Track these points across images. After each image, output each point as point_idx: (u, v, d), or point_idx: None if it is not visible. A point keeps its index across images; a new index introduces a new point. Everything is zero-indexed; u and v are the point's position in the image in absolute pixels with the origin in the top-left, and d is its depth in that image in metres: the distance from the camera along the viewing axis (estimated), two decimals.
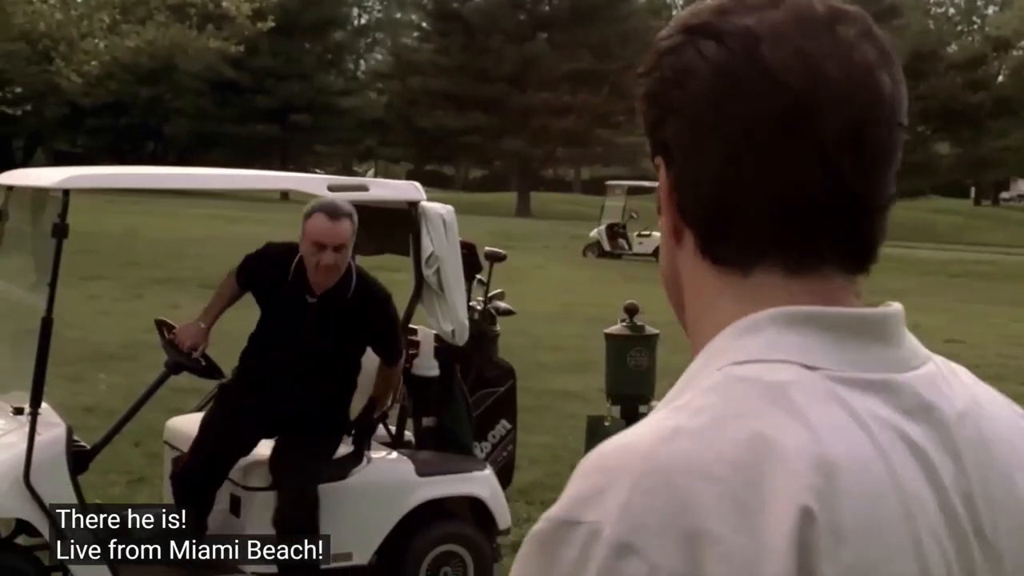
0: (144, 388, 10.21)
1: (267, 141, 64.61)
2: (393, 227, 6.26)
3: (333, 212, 5.61)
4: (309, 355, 5.82)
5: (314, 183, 6.22)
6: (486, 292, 6.86)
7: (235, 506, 5.78)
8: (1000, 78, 75.15)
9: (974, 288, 27.86)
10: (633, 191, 36.83)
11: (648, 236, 33.24)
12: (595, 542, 0.99)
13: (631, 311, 4.95)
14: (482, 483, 6.21)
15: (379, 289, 5.93)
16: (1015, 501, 1.12)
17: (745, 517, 0.97)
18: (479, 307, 6.75)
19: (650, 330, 5.42)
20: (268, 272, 5.91)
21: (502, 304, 6.90)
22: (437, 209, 6.11)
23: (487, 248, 6.87)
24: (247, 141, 63.54)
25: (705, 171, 1.14)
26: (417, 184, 6.26)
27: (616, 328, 5.74)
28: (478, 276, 6.76)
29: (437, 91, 61.58)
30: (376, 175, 77.03)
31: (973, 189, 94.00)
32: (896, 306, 1.15)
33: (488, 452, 6.59)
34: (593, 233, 33.17)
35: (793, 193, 1.11)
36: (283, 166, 59.26)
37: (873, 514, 1.02)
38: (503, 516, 6.25)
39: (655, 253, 32.84)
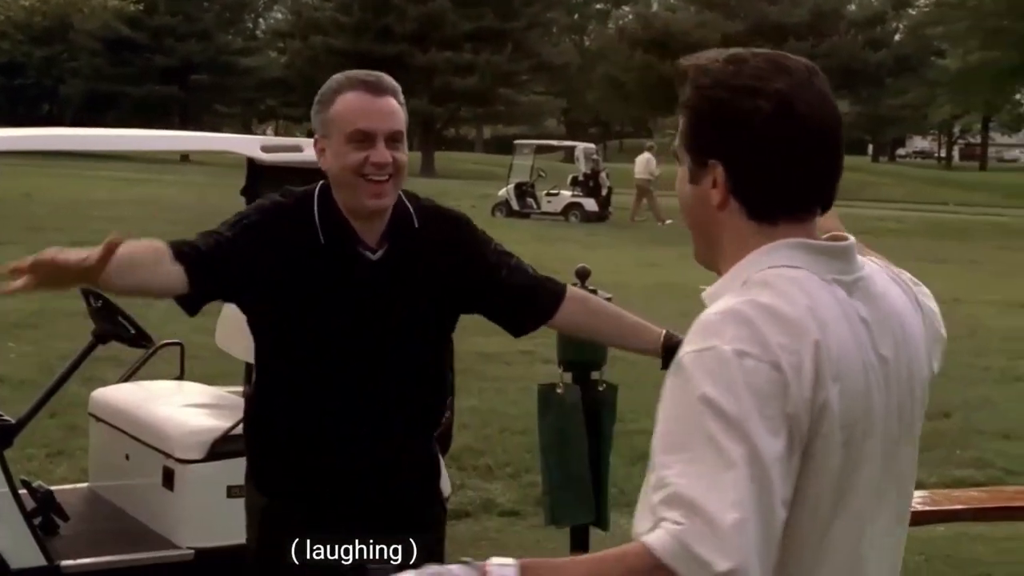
0: (55, 357, 9.99)
1: (165, 101, 63.64)
2: None
3: (376, 85, 3.40)
4: (393, 351, 3.46)
5: (246, 143, 5.97)
6: None
7: (168, 479, 5.56)
8: (897, 36, 76.10)
9: (880, 245, 27.68)
10: (541, 150, 36.79)
11: (556, 195, 33.18)
12: (721, 354, 1.86)
13: (582, 275, 4.77)
14: None
15: (448, 209, 3.67)
16: (906, 340, 2.09)
17: (793, 343, 1.89)
18: None
19: (603, 294, 5.28)
20: (286, 234, 3.39)
21: None
22: None
23: None
24: (145, 101, 62.48)
25: (762, 169, 2.03)
26: None
27: None
28: None
29: (339, 50, 60.81)
30: (276, 135, 76.06)
31: (871, 146, 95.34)
32: (851, 239, 2.10)
33: None
34: (501, 192, 33.03)
35: (810, 177, 2.06)
36: (182, 126, 58.37)
37: (843, 347, 1.95)
38: (444, 482, 6.10)
39: (564, 212, 32.88)
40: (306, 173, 6.15)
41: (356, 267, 3.40)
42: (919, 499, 5.34)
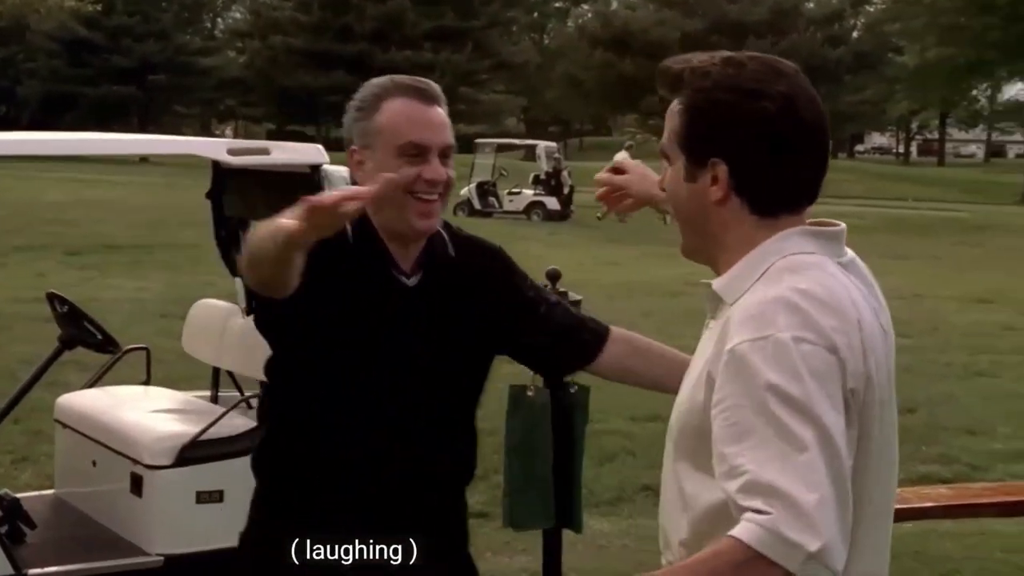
0: (16, 360, 9.89)
1: (124, 102, 63.20)
2: (294, 191, 5.99)
3: (427, 93, 3.01)
4: (429, 389, 3.06)
5: (212, 146, 5.94)
6: None
7: (136, 485, 5.52)
8: (856, 34, 76.57)
9: None
10: (502, 148, 36.77)
11: (518, 194, 33.18)
12: (779, 341, 1.97)
13: (553, 277, 4.76)
14: None
15: (484, 240, 3.31)
16: (887, 313, 2.23)
17: (842, 324, 2.03)
18: None
19: (573, 296, 5.25)
20: (319, 247, 2.71)
21: None
22: (341, 172, 5.87)
23: None
24: (103, 102, 62.06)
25: (765, 167, 2.13)
26: (320, 147, 6.00)
27: None
28: None
29: (298, 50, 60.74)
30: (236, 136, 75.92)
31: (830, 142, 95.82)
32: (842, 224, 2.21)
33: None
34: (463, 191, 32.97)
35: (808, 174, 2.17)
36: (141, 128, 58.11)
37: (870, 324, 2.11)
38: None
39: (526, 211, 32.86)
40: (271, 176, 6.14)
41: (391, 291, 3.01)
42: None
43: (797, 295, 2.03)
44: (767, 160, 2.13)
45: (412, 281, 3.04)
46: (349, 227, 2.89)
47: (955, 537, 6.92)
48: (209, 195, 6.44)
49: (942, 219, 35.69)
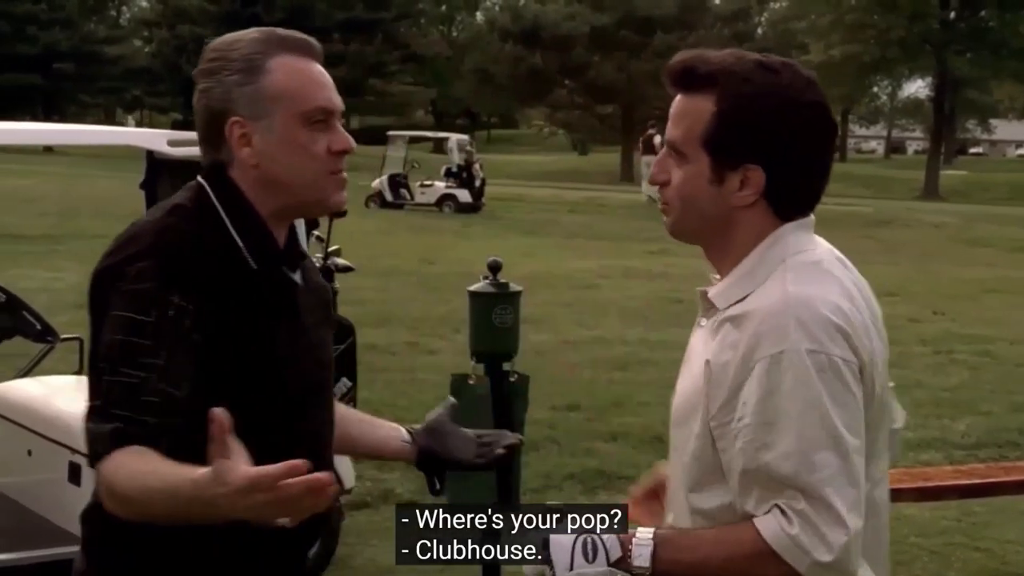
0: None
1: (28, 90, 62.11)
2: None
3: (312, 48, 2.50)
4: (327, 385, 2.65)
5: (151, 137, 5.96)
6: (325, 248, 6.73)
7: (75, 475, 5.54)
8: (760, 30, 77.36)
9: None
10: (414, 141, 36.74)
11: (430, 186, 33.18)
12: (797, 354, 2.08)
13: (494, 268, 4.89)
14: None
15: None
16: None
17: (846, 321, 2.13)
18: (318, 264, 6.61)
19: (514, 287, 5.37)
20: (211, 272, 2.36)
21: (340, 260, 6.80)
22: None
23: None
24: (6, 90, 61.00)
25: (803, 175, 2.22)
26: None
27: (480, 286, 5.64)
28: (316, 232, 6.62)
29: (206, 39, 60.11)
30: (142, 125, 75.04)
31: None
32: (812, 215, 2.28)
33: None
34: (375, 184, 32.92)
35: (827, 175, 2.25)
36: (46, 117, 57.21)
37: (864, 315, 2.20)
38: (347, 474, 6.16)
39: (438, 203, 32.84)
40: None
41: (289, 292, 2.49)
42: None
43: (807, 297, 2.13)
44: (802, 167, 2.19)
45: (300, 280, 2.54)
46: (231, 228, 2.44)
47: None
48: (143, 185, 6.46)
49: (847, 213, 36.11)
